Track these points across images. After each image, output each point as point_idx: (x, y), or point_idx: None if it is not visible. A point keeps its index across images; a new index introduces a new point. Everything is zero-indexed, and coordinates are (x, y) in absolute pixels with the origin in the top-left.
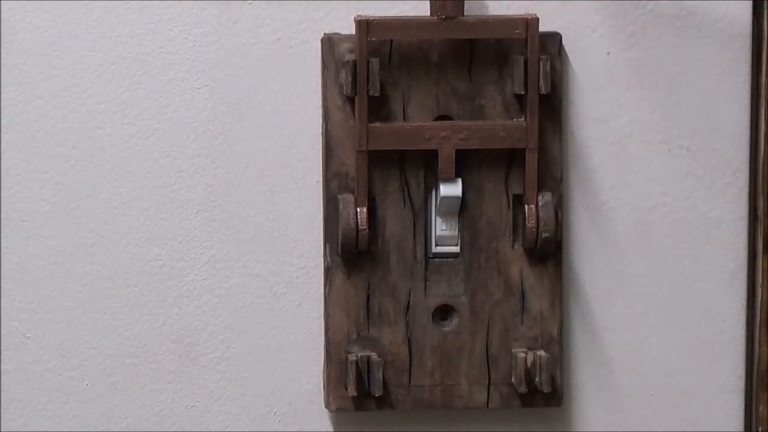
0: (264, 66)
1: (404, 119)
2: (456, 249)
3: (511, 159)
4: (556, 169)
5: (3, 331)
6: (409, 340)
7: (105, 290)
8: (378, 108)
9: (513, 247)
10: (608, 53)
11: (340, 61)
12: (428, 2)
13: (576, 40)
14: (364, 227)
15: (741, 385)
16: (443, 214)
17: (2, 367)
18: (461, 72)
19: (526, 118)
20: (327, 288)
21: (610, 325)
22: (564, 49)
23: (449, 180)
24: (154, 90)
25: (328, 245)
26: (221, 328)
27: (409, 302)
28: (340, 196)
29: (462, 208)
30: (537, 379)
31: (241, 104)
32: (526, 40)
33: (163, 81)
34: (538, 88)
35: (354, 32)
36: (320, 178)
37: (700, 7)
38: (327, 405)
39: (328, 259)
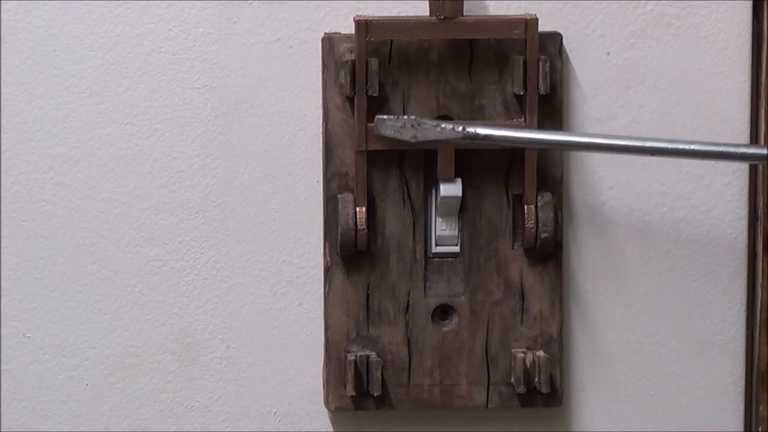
0: (264, 66)
1: None
2: (456, 249)
3: (510, 159)
4: (556, 169)
5: (3, 331)
6: (408, 339)
7: (105, 290)
8: (378, 108)
9: (513, 247)
10: (608, 53)
11: (340, 61)
12: (428, 2)
13: (576, 40)
14: (363, 227)
15: (741, 385)
16: (443, 214)
17: (2, 367)
18: (461, 72)
19: (525, 118)
20: (327, 288)
21: (610, 325)
22: (564, 49)
23: (449, 180)
24: (154, 90)
25: (327, 245)
26: (221, 328)
27: (408, 302)
28: (339, 196)
29: (462, 208)
30: (536, 380)
31: (241, 104)
32: (526, 40)
33: (163, 81)
34: (538, 88)
35: (353, 32)
36: (320, 178)
37: (700, 7)
38: (326, 404)
39: (328, 259)
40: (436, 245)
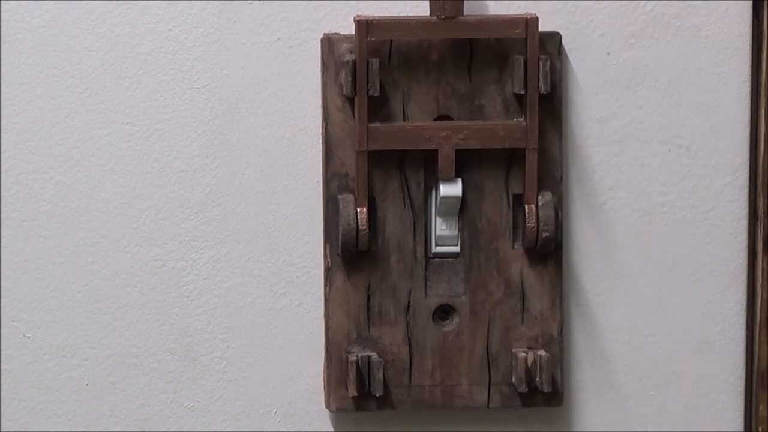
0: (264, 66)
1: (404, 119)
2: (456, 249)
3: (511, 159)
4: (556, 169)
5: (3, 331)
6: (409, 340)
7: (105, 290)
8: (378, 108)
9: (513, 246)
10: (608, 53)
11: (340, 61)
12: (428, 2)
13: (576, 40)
14: (364, 227)
15: (741, 385)
16: (443, 214)
17: (2, 367)
18: (461, 72)
19: (525, 118)
20: (327, 288)
21: (610, 325)
22: (564, 49)
23: (449, 180)
24: (154, 90)
25: (328, 245)
26: (221, 328)
27: (409, 302)
28: (340, 196)
29: (462, 208)
30: (537, 379)
31: (241, 104)
32: (526, 39)
33: (163, 81)
34: (538, 87)
35: (353, 32)
36: (320, 178)
37: (700, 7)
38: (327, 405)
39: (329, 259)
40: (437, 245)
